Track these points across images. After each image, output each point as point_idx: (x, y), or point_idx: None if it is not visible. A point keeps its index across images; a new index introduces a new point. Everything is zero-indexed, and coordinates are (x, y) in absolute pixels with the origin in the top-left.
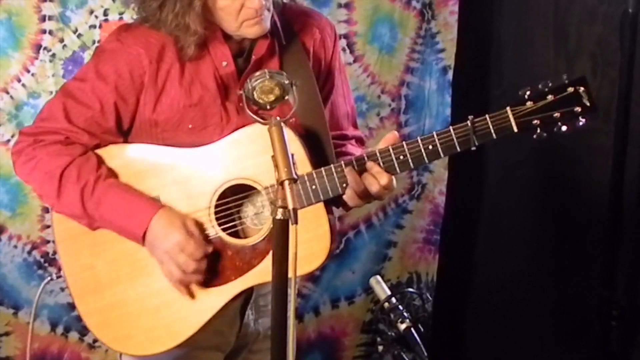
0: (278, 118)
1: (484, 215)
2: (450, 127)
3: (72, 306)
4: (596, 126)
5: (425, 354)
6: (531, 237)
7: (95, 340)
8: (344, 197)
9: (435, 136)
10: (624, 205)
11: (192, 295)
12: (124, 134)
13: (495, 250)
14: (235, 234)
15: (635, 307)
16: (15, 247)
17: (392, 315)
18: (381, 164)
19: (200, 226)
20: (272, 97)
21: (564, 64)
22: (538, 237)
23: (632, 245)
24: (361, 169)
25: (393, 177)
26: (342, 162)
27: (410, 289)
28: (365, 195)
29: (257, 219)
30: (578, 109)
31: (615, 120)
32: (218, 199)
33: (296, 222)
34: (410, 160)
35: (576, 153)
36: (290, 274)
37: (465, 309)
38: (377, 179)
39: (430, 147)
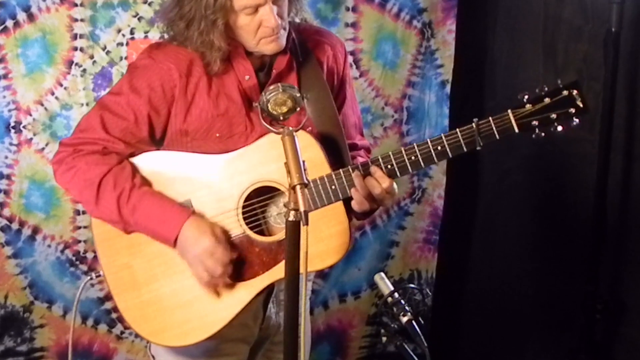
0: (290, 128)
1: (479, 217)
2: (457, 130)
3: (101, 301)
4: (582, 135)
5: (425, 344)
6: (523, 237)
7: (122, 332)
8: (353, 204)
9: (443, 138)
10: (608, 208)
11: (220, 292)
12: (157, 144)
13: (490, 249)
14: (261, 232)
15: (617, 301)
16: (49, 246)
17: (394, 309)
18: (394, 164)
19: (226, 232)
20: (285, 109)
21: (552, 79)
22: (529, 237)
23: (614, 244)
24: (366, 173)
25: (394, 182)
26: (360, 164)
27: (412, 285)
28: (370, 198)
29: (280, 218)
30: (572, 110)
31: (599, 130)
32: (245, 200)
33: (307, 224)
34: (421, 160)
35: (564, 160)
36: (302, 271)
37: (462, 303)
38: (379, 182)
39: (439, 148)
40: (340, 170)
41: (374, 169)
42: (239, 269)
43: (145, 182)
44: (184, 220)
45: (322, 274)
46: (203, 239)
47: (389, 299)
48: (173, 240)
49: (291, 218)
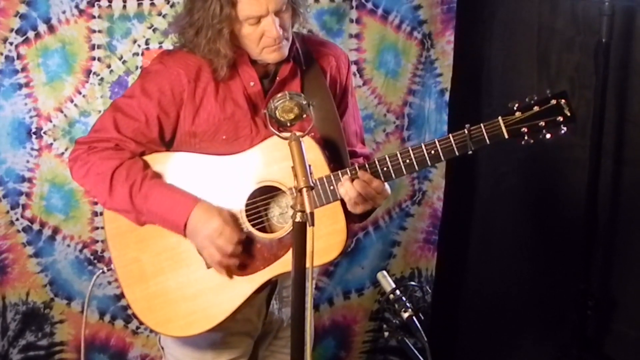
0: (297, 133)
1: (476, 218)
2: (450, 135)
3: (118, 297)
4: (574, 141)
5: (425, 338)
6: (518, 238)
7: (138, 327)
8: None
9: (437, 142)
10: (598, 210)
11: (228, 279)
12: (167, 145)
13: (487, 249)
14: (263, 230)
15: (607, 298)
16: (69, 246)
17: (396, 305)
18: (389, 167)
19: (233, 215)
20: (292, 116)
21: (546, 87)
22: (524, 237)
23: (605, 244)
24: (354, 177)
25: (385, 183)
26: (357, 165)
27: (412, 283)
28: (359, 200)
29: (282, 217)
30: (560, 118)
31: (590, 136)
32: (248, 199)
33: (313, 224)
34: (415, 163)
35: (557, 165)
36: (308, 269)
37: (460, 300)
38: (368, 183)
39: (433, 151)
40: (339, 171)
41: (361, 173)
42: (241, 263)
43: (157, 176)
44: (193, 206)
45: (327, 273)
46: (212, 220)
47: (391, 296)
48: (183, 225)
49: (298, 219)
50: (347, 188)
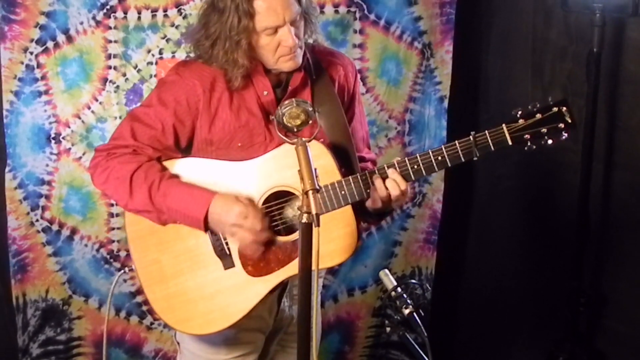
0: (303, 139)
1: (474, 219)
2: (456, 142)
3: (133, 295)
4: (567, 146)
5: (425, 334)
6: (514, 238)
7: (152, 323)
8: (367, 203)
9: (443, 149)
10: (590, 211)
11: (244, 280)
12: (183, 152)
13: (484, 248)
14: (277, 233)
15: (599, 295)
16: (86, 245)
17: (397, 302)
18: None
19: (251, 199)
20: (298, 122)
21: (540, 94)
22: (519, 237)
23: (596, 244)
24: (384, 177)
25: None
26: (367, 171)
27: (413, 281)
28: (385, 199)
29: (296, 219)
30: (561, 125)
31: (582, 141)
32: (263, 203)
33: (318, 225)
34: (422, 169)
35: (551, 168)
36: (314, 267)
37: (459, 297)
38: (397, 183)
39: (440, 158)
40: (350, 177)
41: (391, 171)
42: (257, 265)
43: (174, 176)
44: (210, 199)
45: (332, 271)
46: (233, 208)
47: (393, 293)
48: (202, 218)
49: (304, 220)
50: (377, 186)
